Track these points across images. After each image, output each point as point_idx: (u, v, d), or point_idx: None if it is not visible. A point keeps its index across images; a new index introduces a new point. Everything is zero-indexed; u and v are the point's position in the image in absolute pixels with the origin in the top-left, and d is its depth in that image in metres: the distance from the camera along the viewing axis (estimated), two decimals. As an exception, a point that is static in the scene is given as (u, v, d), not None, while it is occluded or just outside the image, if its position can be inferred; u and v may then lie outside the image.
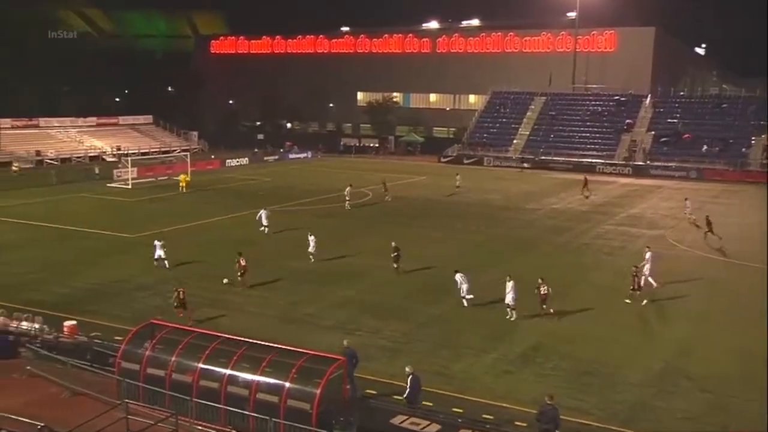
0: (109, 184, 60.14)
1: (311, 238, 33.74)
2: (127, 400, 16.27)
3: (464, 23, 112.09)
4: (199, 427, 16.60)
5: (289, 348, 17.64)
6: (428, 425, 16.72)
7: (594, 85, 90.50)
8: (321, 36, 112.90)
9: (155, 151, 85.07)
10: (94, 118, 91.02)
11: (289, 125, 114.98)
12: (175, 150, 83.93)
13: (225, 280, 29.39)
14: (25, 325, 22.04)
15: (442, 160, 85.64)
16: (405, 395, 18.10)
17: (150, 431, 15.45)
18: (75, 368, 19.32)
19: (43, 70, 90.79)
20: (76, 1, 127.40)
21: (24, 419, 15.40)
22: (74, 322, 22.37)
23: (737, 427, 17.83)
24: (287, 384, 16.45)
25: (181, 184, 57.41)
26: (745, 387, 20.30)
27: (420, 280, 31.16)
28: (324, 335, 23.68)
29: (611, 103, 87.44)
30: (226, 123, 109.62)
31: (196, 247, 36.74)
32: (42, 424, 15.06)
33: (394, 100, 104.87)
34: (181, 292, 25.08)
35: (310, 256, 33.44)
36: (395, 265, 31.72)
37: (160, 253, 32.08)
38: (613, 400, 19.59)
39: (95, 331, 22.94)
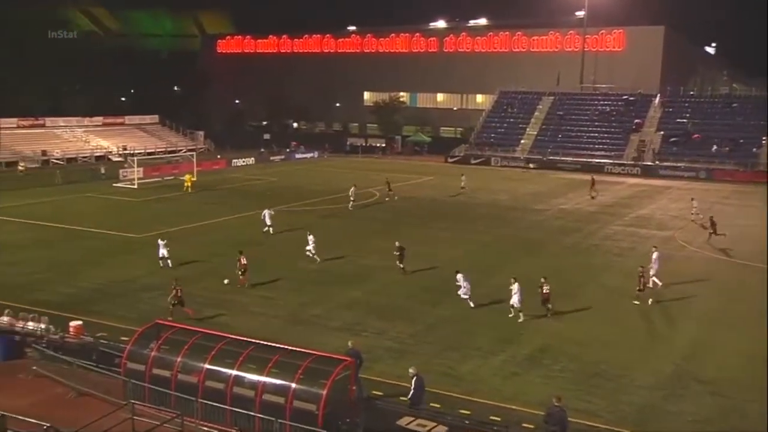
0: (115, 184, 60.18)
1: (310, 238, 33.68)
2: (132, 401, 16.31)
3: (472, 22, 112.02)
4: (205, 428, 16.57)
5: (295, 349, 17.58)
6: (435, 427, 16.57)
7: (602, 85, 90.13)
8: (327, 35, 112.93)
9: (161, 151, 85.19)
10: (100, 118, 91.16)
11: (295, 125, 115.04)
12: (181, 150, 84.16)
13: (225, 281, 29.27)
14: (31, 325, 22.02)
15: (450, 160, 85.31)
16: (409, 396, 17.99)
17: (156, 432, 15.40)
18: (81, 368, 19.31)
19: (49, 70, 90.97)
20: (83, 0, 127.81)
21: (30, 419, 15.36)
22: (80, 323, 22.31)
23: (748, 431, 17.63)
24: (293, 385, 16.37)
25: (186, 184, 57.11)
26: (756, 390, 20.03)
27: (427, 281, 31.02)
28: (332, 336, 23.57)
29: (620, 103, 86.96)
30: (232, 123, 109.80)
31: (202, 247, 36.70)
32: (48, 425, 15.01)
33: (401, 99, 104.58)
34: (178, 290, 25.08)
35: (315, 257, 33.31)
36: (401, 265, 31.59)
37: (163, 252, 32.11)
38: (622, 403, 19.40)
39: (101, 332, 22.91)
